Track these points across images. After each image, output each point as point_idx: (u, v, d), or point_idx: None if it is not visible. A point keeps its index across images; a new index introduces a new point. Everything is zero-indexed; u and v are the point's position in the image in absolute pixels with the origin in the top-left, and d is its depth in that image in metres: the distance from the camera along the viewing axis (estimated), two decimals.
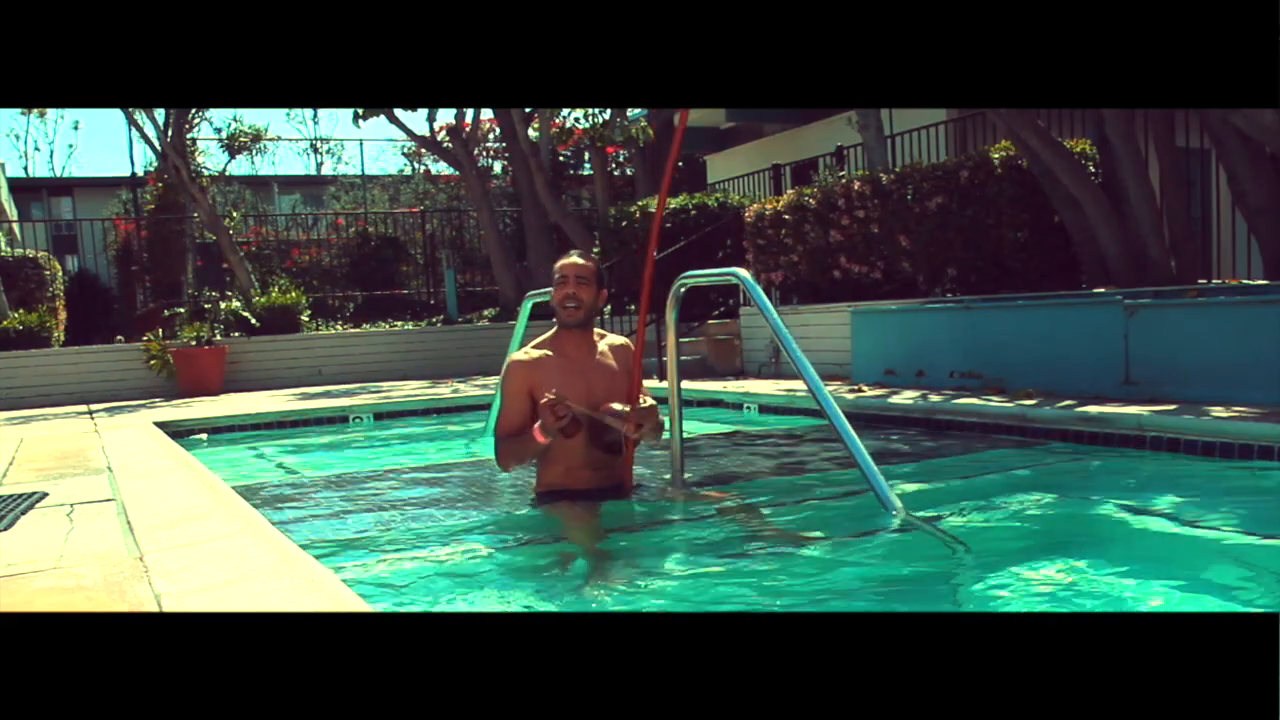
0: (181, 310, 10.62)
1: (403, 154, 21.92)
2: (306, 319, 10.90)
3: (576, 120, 12.70)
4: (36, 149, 52.46)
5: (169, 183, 13.34)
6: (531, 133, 12.55)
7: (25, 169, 28.79)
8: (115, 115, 19.16)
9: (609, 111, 11.24)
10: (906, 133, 9.09)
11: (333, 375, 10.10)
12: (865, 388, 6.10)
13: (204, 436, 6.27)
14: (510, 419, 3.07)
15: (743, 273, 3.21)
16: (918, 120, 9.28)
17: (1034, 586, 2.31)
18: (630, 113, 12.55)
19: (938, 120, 9.20)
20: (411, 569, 2.68)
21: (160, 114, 11.59)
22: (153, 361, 9.34)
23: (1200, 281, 6.18)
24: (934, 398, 5.24)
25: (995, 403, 4.81)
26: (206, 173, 12.75)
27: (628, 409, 2.99)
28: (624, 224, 10.58)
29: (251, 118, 28.74)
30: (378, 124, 21.25)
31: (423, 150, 16.70)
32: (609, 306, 10.21)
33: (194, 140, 12.49)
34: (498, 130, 14.59)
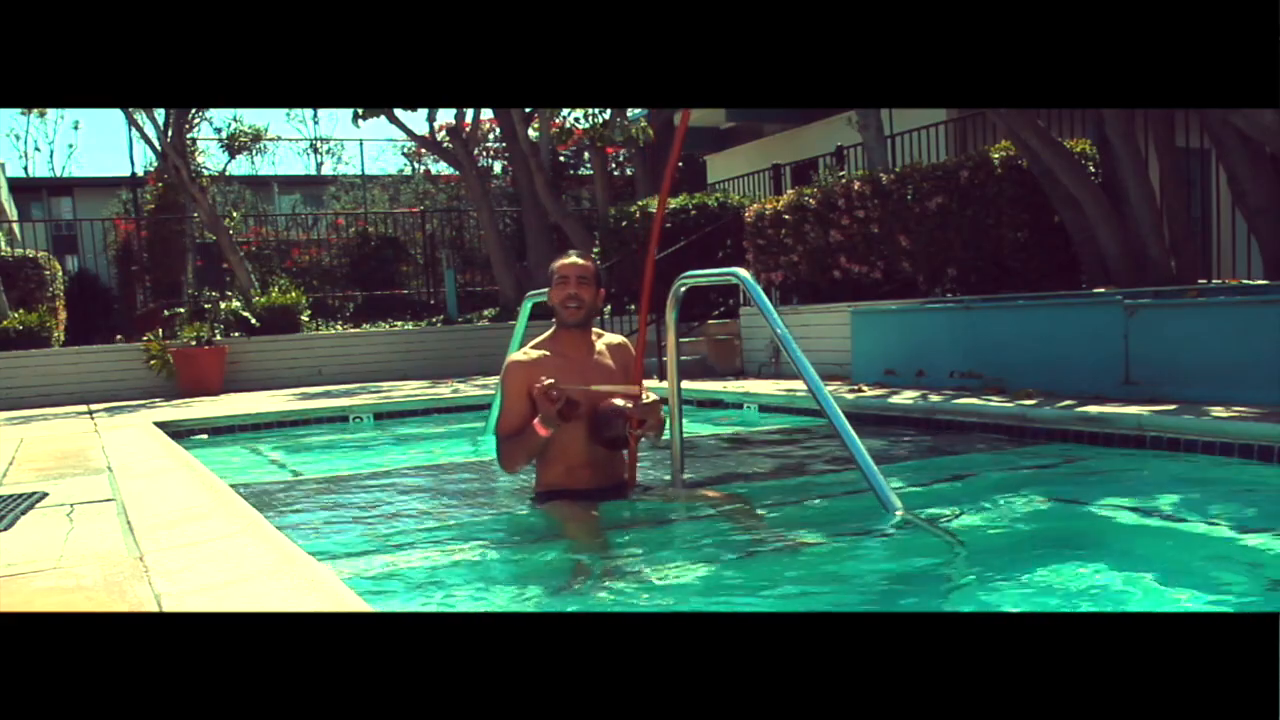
0: (181, 310, 10.62)
1: (403, 154, 21.95)
2: (306, 319, 10.90)
3: (576, 120, 12.71)
4: (36, 149, 52.50)
5: (169, 183, 13.34)
6: (531, 133, 12.55)
7: (25, 169, 28.83)
8: (115, 115, 19.17)
9: (609, 111, 11.24)
10: (906, 133, 9.09)
11: (333, 375, 10.10)
12: (865, 388, 6.10)
13: (204, 436, 6.27)
14: (511, 419, 3.07)
15: (743, 273, 3.21)
16: (918, 120, 9.27)
17: (1034, 586, 2.31)
18: (630, 113, 12.55)
19: (938, 120, 9.20)
20: (411, 569, 2.68)
21: (160, 114, 11.59)
22: (153, 361, 9.34)
23: (1200, 281, 6.18)
24: (934, 398, 5.24)
25: (995, 403, 4.81)
26: (206, 173, 12.75)
27: (630, 404, 3.00)
28: (624, 224, 10.58)
29: (251, 118, 28.74)
30: (378, 124, 21.27)
31: (423, 150, 16.70)
32: (609, 306, 10.22)
33: (194, 140, 12.50)
34: (498, 130, 14.59)
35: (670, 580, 2.51)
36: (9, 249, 12.27)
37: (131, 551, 2.31)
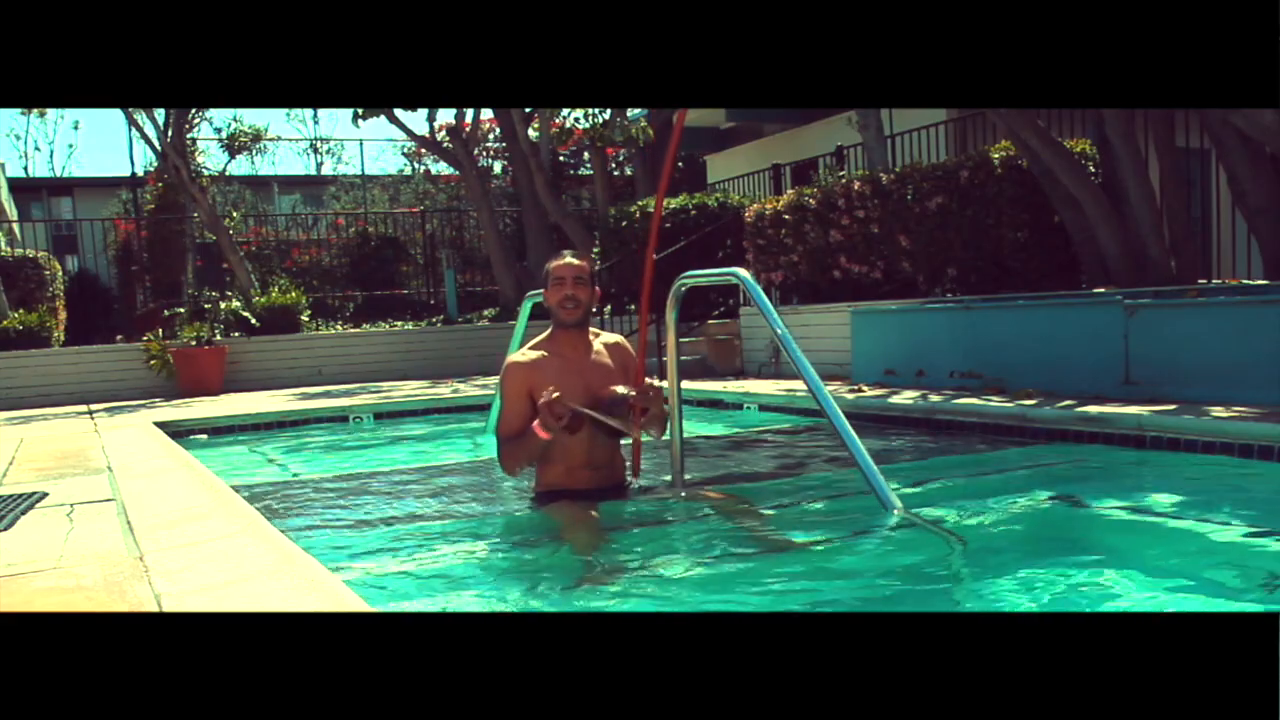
0: (181, 310, 10.62)
1: (403, 154, 21.95)
2: (306, 319, 10.90)
3: (576, 120, 12.71)
4: (36, 149, 52.50)
5: (169, 183, 13.34)
6: (531, 133, 12.55)
7: (25, 169, 28.83)
8: (115, 115, 19.16)
9: (609, 111, 11.24)
10: (906, 133, 9.09)
11: (333, 375, 10.10)
12: (865, 388, 6.10)
13: (204, 436, 6.27)
14: (511, 421, 3.07)
15: (743, 273, 3.22)
16: (918, 120, 9.27)
17: (1034, 586, 2.31)
18: (630, 113, 12.56)
19: (938, 120, 9.20)
20: (411, 569, 2.68)
21: (160, 114, 11.59)
22: (153, 361, 9.34)
23: (1200, 281, 6.18)
24: (934, 398, 5.24)
25: (995, 403, 4.81)
26: (206, 173, 12.75)
27: (632, 392, 3.00)
28: (624, 224, 10.59)
29: (251, 118, 28.76)
30: (378, 124, 21.27)
31: (423, 150, 16.70)
32: (609, 306, 10.22)
33: (194, 140, 12.49)
34: (498, 130, 14.60)
35: (670, 580, 2.51)
36: (9, 249, 12.28)
37: (131, 551, 2.31)
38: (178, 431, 5.90)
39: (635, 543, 2.92)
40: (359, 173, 21.82)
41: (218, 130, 13.09)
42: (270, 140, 20.24)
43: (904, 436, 4.76)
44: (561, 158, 16.06)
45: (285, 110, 30.36)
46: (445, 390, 8.03)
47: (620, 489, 3.26)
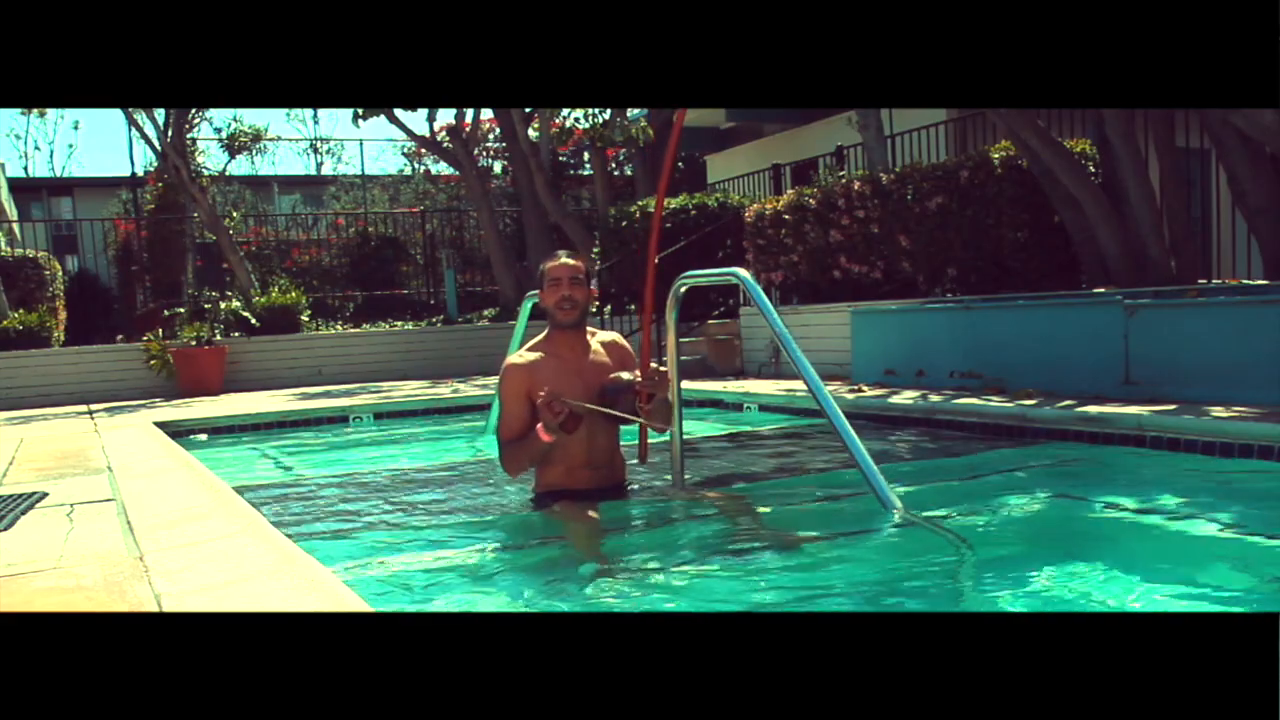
0: (181, 310, 10.62)
1: (403, 154, 21.94)
2: (306, 319, 10.90)
3: (576, 120, 12.70)
4: (36, 149, 52.51)
5: (169, 183, 13.34)
6: (531, 133, 12.55)
7: (25, 169, 28.82)
8: (115, 115, 19.17)
9: (609, 111, 11.23)
10: (906, 133, 9.09)
11: (333, 375, 10.10)
12: (865, 388, 6.10)
13: (204, 436, 6.28)
14: (511, 424, 3.07)
15: (743, 273, 3.22)
16: (918, 120, 9.27)
17: (1034, 586, 2.31)
18: (630, 113, 12.55)
19: (938, 120, 9.20)
20: (412, 569, 2.68)
21: (160, 114, 11.59)
22: (153, 361, 9.34)
23: (1200, 281, 6.18)
24: (934, 398, 5.24)
25: (995, 403, 4.81)
26: (206, 173, 12.75)
27: (636, 375, 3.00)
28: (624, 224, 10.58)
29: (251, 118, 28.75)
30: (378, 124, 21.28)
31: (423, 150, 16.70)
32: (609, 306, 10.22)
33: (194, 140, 12.49)
34: (498, 130, 14.60)
35: (670, 580, 2.51)
36: (9, 249, 12.28)
37: (131, 551, 2.31)
38: (178, 431, 5.90)
39: (635, 543, 2.92)
40: (359, 173, 21.81)
41: (218, 130, 13.10)
42: (270, 140, 20.24)
43: (904, 436, 4.76)
44: (561, 158, 16.06)
45: (285, 110, 30.38)
46: (445, 390, 8.03)
47: (620, 489, 3.26)
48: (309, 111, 28.49)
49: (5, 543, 2.48)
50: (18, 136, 37.81)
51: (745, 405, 6.39)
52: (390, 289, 14.88)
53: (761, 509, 3.31)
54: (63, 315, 11.14)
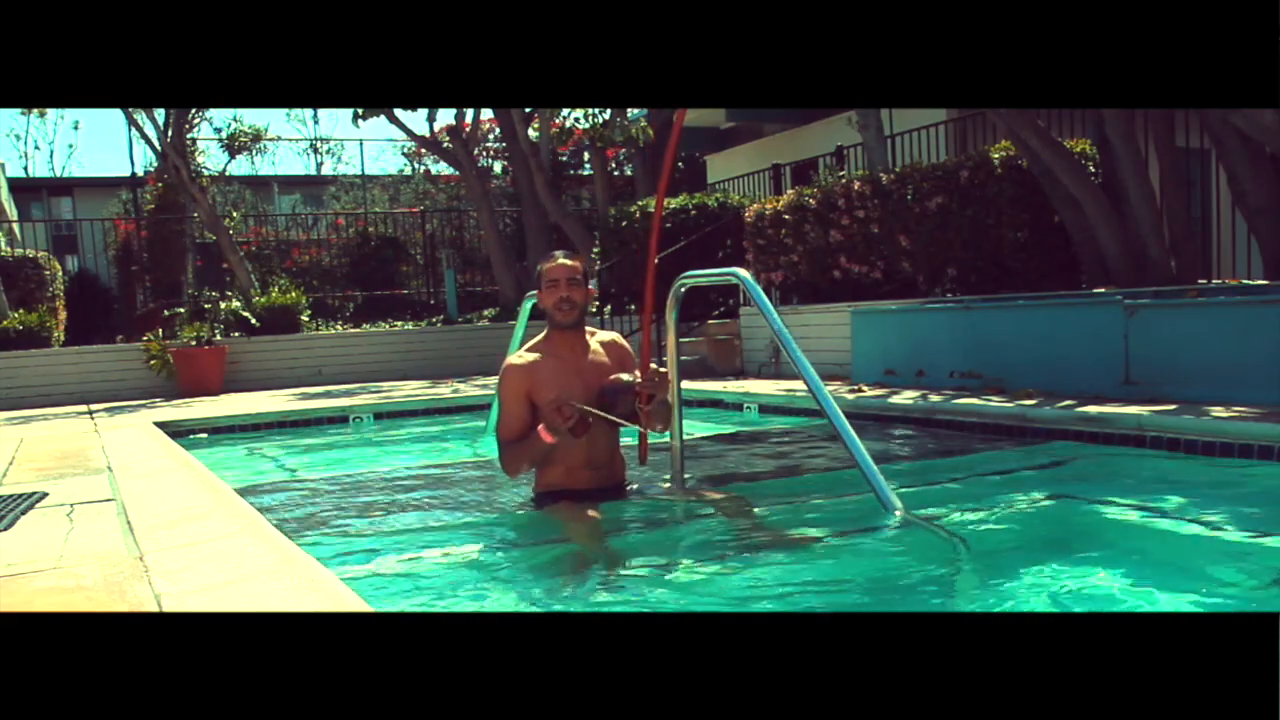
0: (181, 310, 10.63)
1: (403, 154, 21.93)
2: (306, 319, 10.90)
3: (576, 120, 12.70)
4: (36, 149, 52.51)
5: (169, 183, 13.34)
6: (531, 133, 12.55)
7: (25, 169, 28.81)
8: (115, 115, 19.17)
9: (609, 111, 11.23)
10: (906, 133, 9.09)
11: (333, 375, 10.10)
12: (865, 388, 6.10)
13: (204, 436, 6.28)
14: (511, 424, 3.07)
15: (743, 273, 3.21)
16: (918, 120, 9.27)
17: (1034, 586, 2.31)
18: (630, 113, 12.55)
19: (938, 120, 9.19)
20: (412, 569, 2.68)
21: (160, 114, 11.59)
22: (153, 361, 9.34)
23: (1200, 281, 6.18)
24: (934, 398, 5.24)
25: (995, 403, 4.81)
26: (206, 173, 12.75)
27: (637, 376, 3.00)
28: (624, 224, 10.58)
29: (251, 118, 28.74)
30: (378, 124, 21.27)
31: (423, 150, 16.70)
32: (609, 306, 10.21)
33: (194, 140, 12.50)
34: (498, 130, 14.60)
35: (670, 580, 2.51)
36: (9, 249, 12.28)
37: (131, 551, 2.31)
38: (178, 431, 5.90)
39: (635, 543, 2.92)
40: (359, 173, 21.82)
41: (218, 130, 13.09)
42: (270, 140, 20.25)
43: (904, 436, 4.76)
44: (561, 158, 16.06)
45: (285, 110, 30.38)
46: (445, 390, 8.03)
47: (620, 489, 3.26)
48: (309, 111, 28.52)
49: (5, 543, 2.48)
50: (18, 136, 37.83)
51: (745, 405, 6.39)
52: (390, 289, 14.89)
53: (761, 509, 3.31)
54: (63, 315, 11.14)
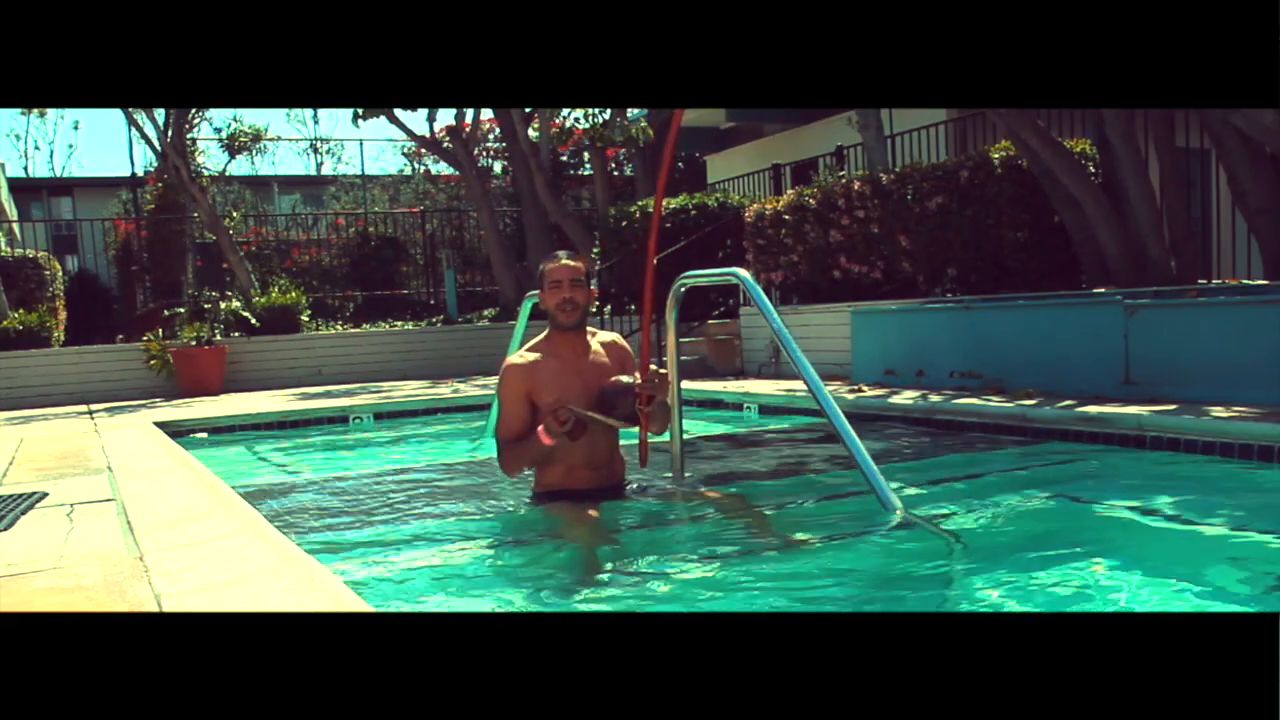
0: (181, 310, 10.62)
1: (403, 154, 21.94)
2: (306, 319, 10.90)
3: (576, 120, 12.71)
4: (36, 149, 52.52)
5: (169, 183, 13.34)
6: (531, 133, 12.55)
7: (25, 169, 28.81)
8: (115, 115, 19.17)
9: (609, 111, 11.24)
10: (906, 133, 9.09)
11: (333, 375, 10.10)
12: (865, 388, 6.10)
13: (204, 435, 6.27)
14: (510, 424, 3.07)
15: (743, 273, 3.22)
16: (918, 120, 9.27)
17: (1034, 586, 2.31)
18: (630, 113, 12.55)
19: (938, 120, 9.20)
20: (411, 569, 2.68)
21: (160, 114, 11.59)
22: (153, 361, 9.34)
23: (1200, 281, 6.18)
24: (934, 398, 5.24)
25: (995, 403, 4.81)
26: (206, 173, 12.75)
27: (637, 378, 3.00)
28: (624, 224, 10.58)
29: (251, 118, 28.75)
30: (378, 124, 21.26)
31: (423, 150, 16.70)
32: (609, 307, 10.22)
33: (194, 140, 12.50)
34: (498, 130, 14.60)
35: (670, 580, 2.51)
36: (9, 249, 12.27)
37: (131, 551, 2.31)
38: (178, 431, 5.90)
39: (635, 543, 2.92)
40: (359, 173, 21.81)
41: (218, 130, 13.09)
42: (270, 140, 20.24)
43: (904, 436, 4.76)
44: (562, 158, 16.06)
45: (285, 110, 30.37)
46: (445, 390, 8.03)
47: (620, 489, 3.26)
48: (309, 111, 28.51)
49: (5, 543, 2.48)
50: (18, 136, 37.84)
51: (745, 405, 6.39)
52: (390, 289, 14.88)
53: (761, 509, 3.31)
54: (63, 315, 11.14)
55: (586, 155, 15.61)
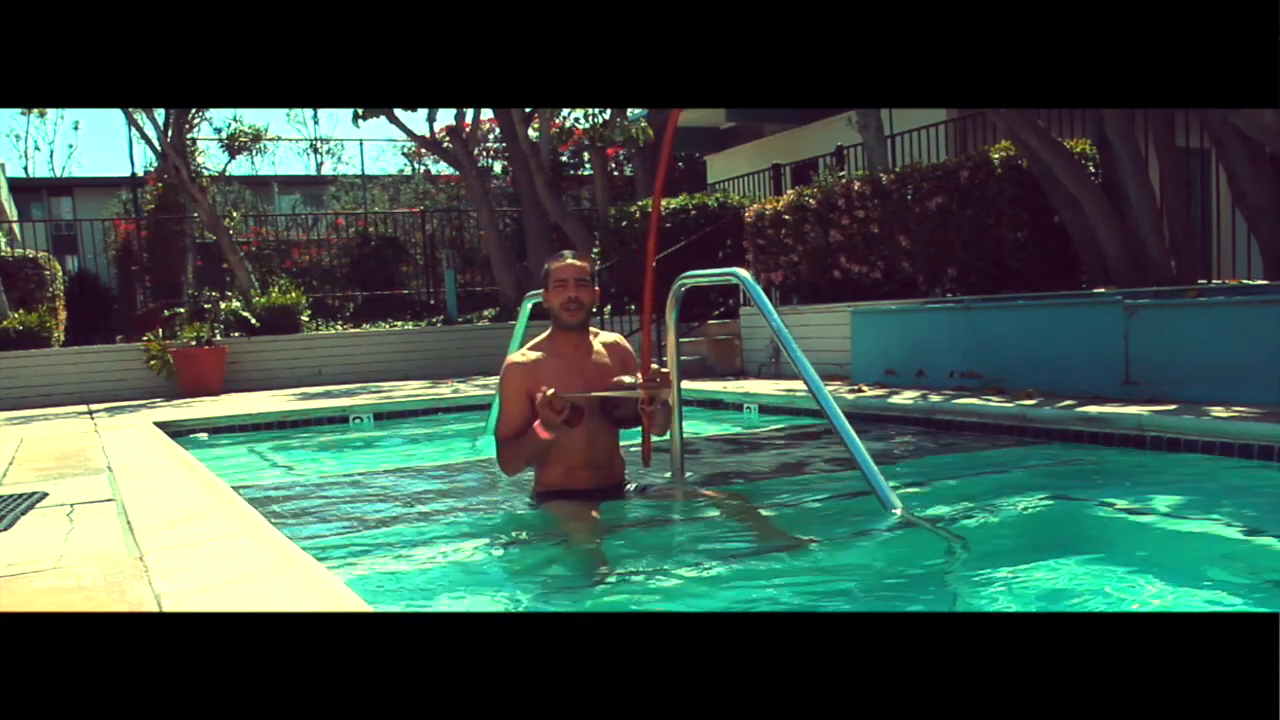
0: (181, 310, 10.62)
1: (403, 154, 21.93)
2: (306, 319, 10.90)
3: (576, 120, 12.71)
4: (36, 149, 52.54)
5: (169, 183, 13.34)
6: (531, 133, 12.55)
7: (25, 169, 28.80)
8: (115, 115, 19.17)
9: (609, 111, 11.24)
10: (906, 133, 9.09)
11: (333, 375, 10.10)
12: (865, 388, 6.10)
13: (204, 435, 6.27)
14: (511, 422, 3.07)
15: (743, 273, 3.22)
16: (918, 120, 9.27)
17: (1034, 586, 2.31)
18: (630, 113, 12.55)
19: (938, 120, 9.20)
20: (411, 569, 2.68)
21: (160, 114, 11.59)
22: (153, 361, 9.34)
23: (1200, 281, 6.18)
24: (934, 398, 5.24)
25: (995, 403, 4.81)
26: (206, 173, 12.75)
27: (639, 379, 3.00)
28: (624, 224, 10.59)
29: (251, 118, 28.76)
30: (378, 124, 21.26)
31: (423, 150, 16.70)
32: (609, 306, 10.22)
33: (194, 140, 12.49)
34: (498, 130, 14.60)
35: (670, 580, 2.51)
36: (9, 249, 12.27)
37: (131, 551, 2.31)
38: (178, 431, 5.90)
39: (635, 542, 2.92)
40: (359, 173, 21.81)
41: (218, 130, 13.10)
42: (270, 140, 20.21)
43: (904, 436, 4.76)
44: (562, 158, 16.06)
45: (285, 110, 30.37)
46: (445, 390, 8.03)
47: (620, 489, 3.26)
48: (309, 111, 28.51)
49: (5, 543, 2.48)
50: (18, 136, 37.82)
51: (745, 405, 6.39)
52: (390, 289, 14.89)
53: (761, 509, 3.31)
54: (63, 315, 11.14)
55: (586, 155, 15.61)
